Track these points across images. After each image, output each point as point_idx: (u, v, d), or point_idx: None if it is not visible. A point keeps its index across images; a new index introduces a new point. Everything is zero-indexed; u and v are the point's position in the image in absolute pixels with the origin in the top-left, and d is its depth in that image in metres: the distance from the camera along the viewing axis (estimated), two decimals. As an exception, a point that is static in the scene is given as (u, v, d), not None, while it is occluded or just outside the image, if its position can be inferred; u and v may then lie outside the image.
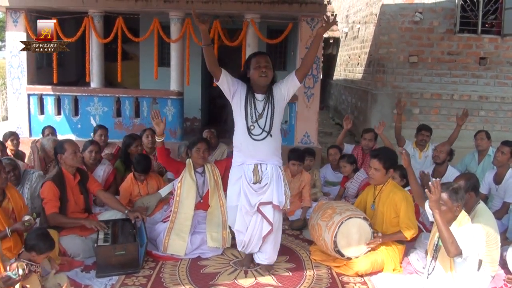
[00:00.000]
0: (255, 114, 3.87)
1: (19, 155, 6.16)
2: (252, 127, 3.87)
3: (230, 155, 5.32)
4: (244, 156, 3.95)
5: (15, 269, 3.19)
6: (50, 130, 6.48)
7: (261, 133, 3.87)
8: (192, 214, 4.63)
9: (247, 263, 4.19)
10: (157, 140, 4.67)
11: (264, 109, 3.89)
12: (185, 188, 4.70)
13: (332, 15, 14.76)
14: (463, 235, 3.45)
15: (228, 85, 3.85)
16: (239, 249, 4.18)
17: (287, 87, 3.93)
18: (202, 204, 4.76)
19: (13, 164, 4.88)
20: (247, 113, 3.88)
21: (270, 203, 3.91)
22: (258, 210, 3.92)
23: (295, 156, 5.45)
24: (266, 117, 3.88)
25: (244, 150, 3.94)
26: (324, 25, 3.75)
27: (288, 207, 4.06)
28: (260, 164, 3.92)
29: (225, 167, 4.88)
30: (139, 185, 5.32)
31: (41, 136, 6.53)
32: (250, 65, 3.88)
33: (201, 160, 4.80)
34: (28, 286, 3.31)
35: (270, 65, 3.86)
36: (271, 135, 3.88)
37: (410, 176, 4.21)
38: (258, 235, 3.98)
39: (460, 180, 4.03)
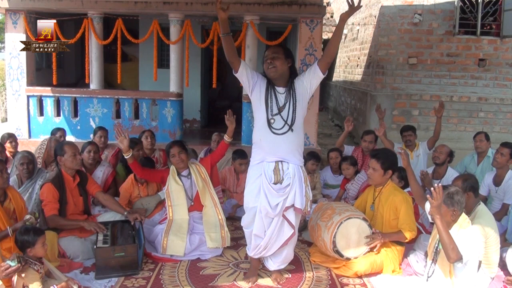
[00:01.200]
0: (277, 106, 3.68)
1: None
2: (272, 120, 3.66)
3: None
4: (264, 152, 3.73)
5: (14, 258, 3.23)
6: (61, 133, 6.42)
7: (282, 127, 3.66)
8: (187, 218, 4.64)
9: (254, 277, 3.97)
10: (125, 156, 4.64)
11: (286, 102, 3.69)
12: (173, 195, 4.71)
13: (332, 16, 14.78)
14: (463, 239, 3.45)
15: (247, 76, 3.68)
16: (252, 253, 3.94)
17: (310, 78, 3.72)
18: (195, 206, 4.77)
19: (30, 158, 4.91)
20: (267, 105, 3.67)
21: (292, 206, 3.72)
22: (283, 216, 3.72)
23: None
24: (288, 110, 3.67)
25: (264, 146, 3.72)
26: (348, 10, 3.57)
27: (309, 209, 3.80)
28: (282, 162, 3.71)
29: (210, 163, 4.90)
30: (139, 187, 5.32)
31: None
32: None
33: (181, 164, 4.76)
34: (24, 277, 3.33)
35: (279, 55, 3.67)
36: (292, 130, 3.66)
37: (409, 176, 4.20)
38: (276, 238, 3.79)
39: (458, 181, 4.03)
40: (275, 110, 3.68)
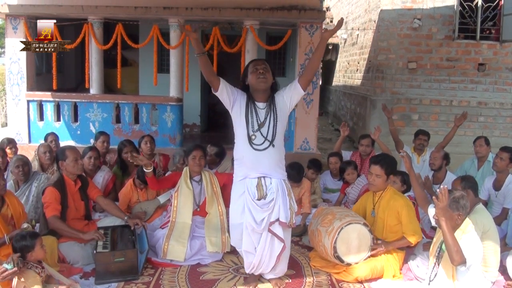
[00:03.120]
0: (257, 122, 3.67)
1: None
2: (253, 137, 3.66)
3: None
4: (246, 169, 3.73)
5: (10, 261, 3.24)
6: (53, 137, 6.41)
7: (263, 143, 3.66)
8: (190, 223, 4.63)
9: (254, 284, 3.96)
10: (146, 171, 4.67)
11: (266, 117, 3.69)
12: (181, 198, 4.71)
13: (331, 21, 14.81)
14: (466, 243, 3.45)
15: (228, 94, 3.67)
16: (248, 271, 3.93)
17: (290, 95, 3.74)
18: (199, 211, 4.77)
19: (25, 160, 4.97)
20: (247, 121, 3.67)
21: (277, 220, 3.71)
22: (269, 231, 3.72)
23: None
24: (269, 126, 3.68)
25: (246, 162, 3.72)
26: (332, 29, 3.57)
27: (294, 221, 3.82)
28: (264, 177, 3.72)
29: (224, 181, 4.86)
30: (138, 192, 5.32)
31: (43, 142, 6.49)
32: (248, 72, 3.73)
33: (198, 168, 4.77)
34: (25, 281, 3.33)
35: (268, 68, 3.70)
36: (273, 145, 3.68)
37: (412, 179, 4.20)
38: (269, 254, 3.78)
39: (457, 181, 4.04)
40: (256, 126, 3.68)
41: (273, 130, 3.69)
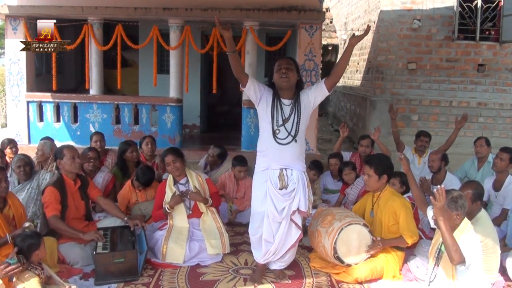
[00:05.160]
0: (282, 118, 3.86)
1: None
2: (277, 131, 3.85)
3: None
4: (269, 160, 3.92)
5: (13, 257, 3.25)
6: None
7: (286, 137, 3.85)
8: (187, 226, 4.64)
9: (259, 279, 4.07)
10: (168, 210, 4.66)
11: (291, 113, 3.88)
12: (171, 204, 4.68)
13: (331, 22, 14.82)
14: (466, 243, 3.45)
15: (255, 90, 3.86)
16: (261, 259, 4.06)
17: (315, 94, 3.92)
18: (193, 214, 4.75)
19: (27, 160, 5.00)
20: (273, 117, 3.86)
21: (297, 209, 3.92)
22: (291, 220, 3.93)
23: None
24: (293, 122, 3.87)
25: (269, 154, 3.91)
26: (359, 35, 3.74)
27: (311, 212, 4.09)
28: (286, 169, 3.91)
29: (214, 191, 4.90)
30: (137, 193, 5.31)
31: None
32: (274, 70, 3.90)
33: (176, 172, 4.75)
34: (25, 282, 3.33)
35: (293, 67, 3.86)
36: (296, 140, 3.86)
37: (410, 181, 4.21)
38: (284, 242, 3.97)
39: (467, 189, 3.97)
40: (280, 122, 3.86)
41: (296, 126, 3.87)
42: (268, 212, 3.89)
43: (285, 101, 3.90)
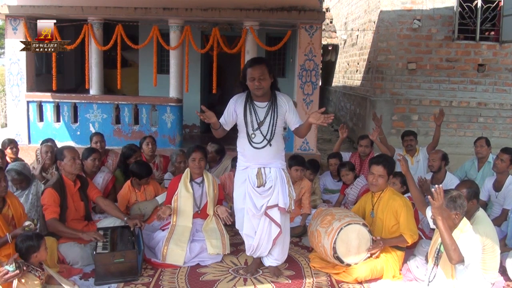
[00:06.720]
0: (257, 121, 3.91)
1: (18, 162, 6.13)
2: (253, 135, 3.93)
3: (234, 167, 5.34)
4: (247, 160, 4.03)
5: (12, 263, 3.24)
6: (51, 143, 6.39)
7: (262, 141, 3.92)
8: (190, 226, 4.63)
9: (253, 270, 4.20)
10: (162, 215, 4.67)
11: (266, 116, 3.92)
12: (181, 201, 4.70)
13: (331, 22, 14.82)
14: (465, 242, 3.45)
15: (233, 120, 4.00)
16: (248, 253, 4.23)
17: (287, 113, 3.97)
18: (200, 214, 4.76)
19: (21, 177, 4.85)
20: (246, 121, 3.92)
21: (276, 205, 3.97)
22: (266, 214, 3.98)
23: (297, 162, 5.43)
24: (269, 125, 3.91)
25: (247, 155, 4.02)
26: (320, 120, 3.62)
27: (293, 208, 4.10)
28: (264, 167, 4.00)
29: (221, 197, 4.96)
30: (136, 192, 5.31)
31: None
32: (246, 75, 3.89)
33: (198, 170, 4.76)
34: (25, 284, 3.33)
35: (266, 75, 3.82)
36: (270, 144, 3.93)
37: (409, 181, 4.21)
38: (267, 238, 4.04)
39: (461, 188, 4.00)
40: (256, 125, 3.93)
41: (272, 129, 3.93)
42: (247, 209, 4.02)
43: (260, 104, 3.94)
